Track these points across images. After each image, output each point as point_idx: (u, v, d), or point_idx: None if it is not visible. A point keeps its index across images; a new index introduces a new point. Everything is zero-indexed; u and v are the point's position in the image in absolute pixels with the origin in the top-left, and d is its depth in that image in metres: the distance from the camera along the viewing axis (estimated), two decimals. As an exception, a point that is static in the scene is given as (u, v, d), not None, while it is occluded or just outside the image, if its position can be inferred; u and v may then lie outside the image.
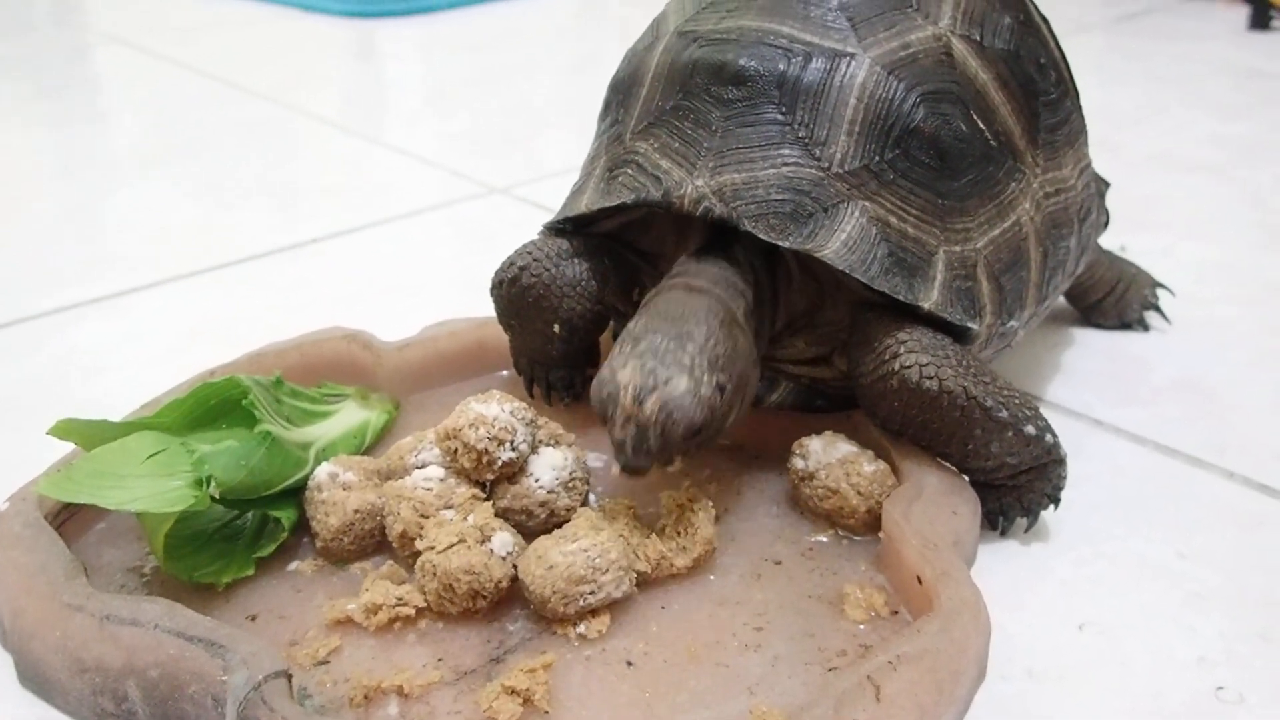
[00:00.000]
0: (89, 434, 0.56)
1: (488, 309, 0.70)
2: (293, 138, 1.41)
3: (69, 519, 0.58)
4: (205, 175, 1.26)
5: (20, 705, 0.51)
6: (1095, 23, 1.86)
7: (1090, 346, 0.83)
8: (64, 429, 0.56)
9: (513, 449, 0.57)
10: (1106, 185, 0.78)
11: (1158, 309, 0.85)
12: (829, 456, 0.59)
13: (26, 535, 0.54)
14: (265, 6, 2.18)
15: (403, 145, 1.36)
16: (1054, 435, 0.59)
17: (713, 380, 0.54)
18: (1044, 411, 0.60)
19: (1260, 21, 1.78)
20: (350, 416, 0.67)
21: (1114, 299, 0.84)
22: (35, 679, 0.51)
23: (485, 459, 0.57)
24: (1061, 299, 0.85)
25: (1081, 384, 0.78)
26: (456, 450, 0.57)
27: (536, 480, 0.58)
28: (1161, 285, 0.86)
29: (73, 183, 1.26)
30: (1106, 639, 0.55)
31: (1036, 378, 0.78)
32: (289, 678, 0.47)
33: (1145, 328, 0.85)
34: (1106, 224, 0.78)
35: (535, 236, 0.67)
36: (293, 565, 0.57)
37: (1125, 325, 0.85)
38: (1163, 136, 1.30)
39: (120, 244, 1.07)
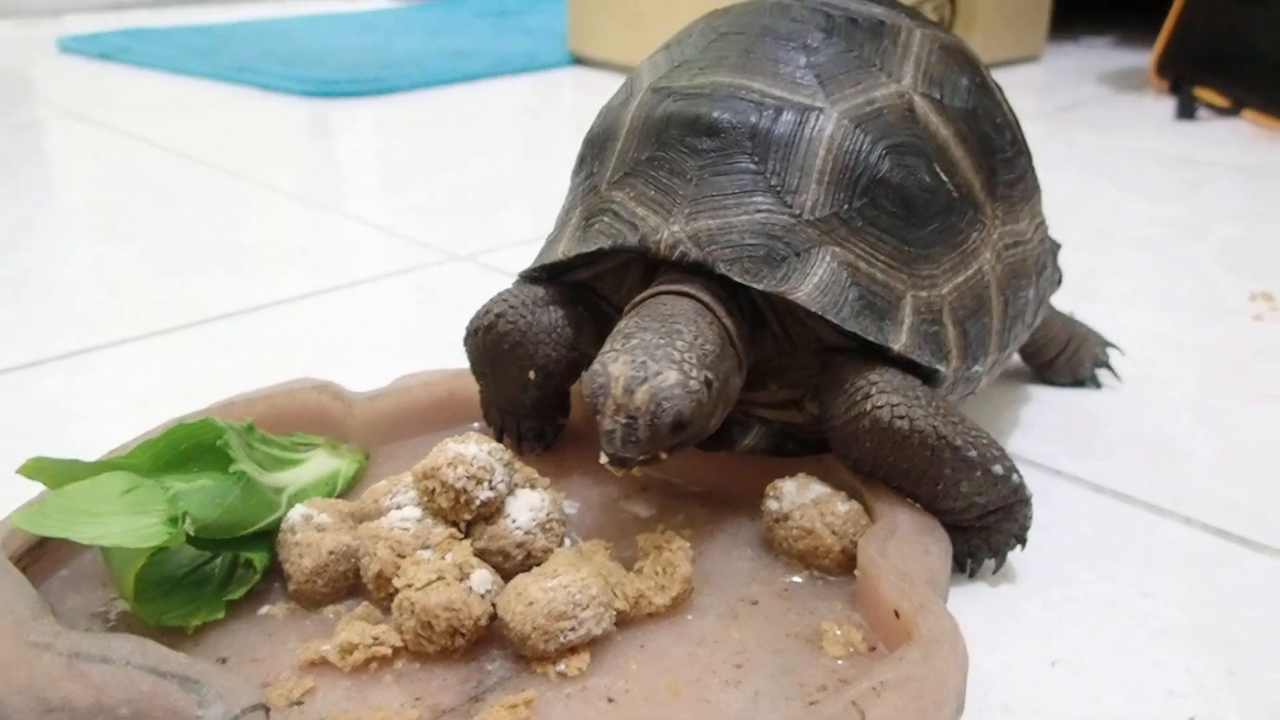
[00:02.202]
0: (59, 474, 0.55)
1: (454, 366, 0.70)
2: (253, 209, 1.42)
3: (32, 564, 0.56)
4: (166, 243, 1.26)
5: (-20, 751, 0.49)
6: (1034, 112, 1.94)
7: (1046, 402, 0.85)
8: (34, 468, 0.55)
9: (491, 488, 0.57)
10: (1058, 245, 0.81)
11: (1109, 367, 0.88)
12: (803, 498, 0.60)
13: (-10, 576, 0.52)
14: (225, 86, 2.20)
15: (363, 217, 1.37)
16: (1019, 476, 0.61)
17: (701, 375, 0.56)
18: (1008, 461, 0.62)
19: (1187, 112, 1.88)
20: (321, 465, 0.66)
21: (1066, 357, 0.86)
22: (-4, 723, 0.49)
23: (463, 498, 0.57)
24: (1016, 357, 0.88)
25: (1041, 437, 0.80)
26: (434, 490, 0.57)
27: (514, 521, 0.58)
28: (1111, 345, 0.89)
29: (29, 247, 1.25)
30: (1079, 675, 0.55)
31: (997, 431, 0.80)
32: (266, 711, 0.46)
33: (1098, 385, 0.88)
34: (1060, 281, 0.81)
35: (510, 285, 0.68)
36: (264, 609, 0.56)
37: (1078, 382, 0.87)
38: (1099, 219, 1.35)
39: (82, 304, 1.06)
